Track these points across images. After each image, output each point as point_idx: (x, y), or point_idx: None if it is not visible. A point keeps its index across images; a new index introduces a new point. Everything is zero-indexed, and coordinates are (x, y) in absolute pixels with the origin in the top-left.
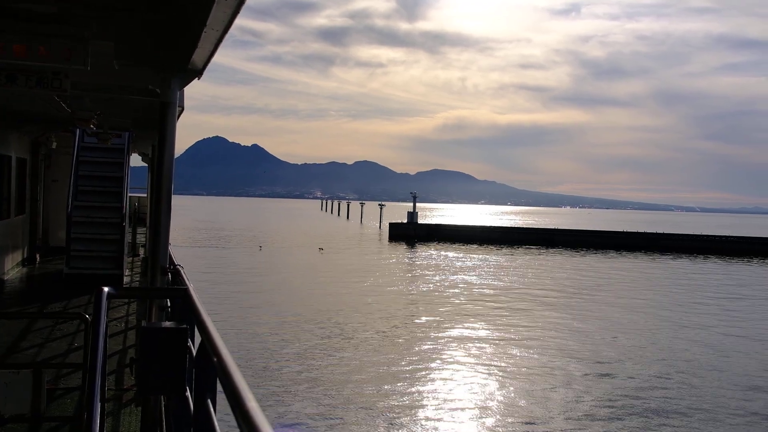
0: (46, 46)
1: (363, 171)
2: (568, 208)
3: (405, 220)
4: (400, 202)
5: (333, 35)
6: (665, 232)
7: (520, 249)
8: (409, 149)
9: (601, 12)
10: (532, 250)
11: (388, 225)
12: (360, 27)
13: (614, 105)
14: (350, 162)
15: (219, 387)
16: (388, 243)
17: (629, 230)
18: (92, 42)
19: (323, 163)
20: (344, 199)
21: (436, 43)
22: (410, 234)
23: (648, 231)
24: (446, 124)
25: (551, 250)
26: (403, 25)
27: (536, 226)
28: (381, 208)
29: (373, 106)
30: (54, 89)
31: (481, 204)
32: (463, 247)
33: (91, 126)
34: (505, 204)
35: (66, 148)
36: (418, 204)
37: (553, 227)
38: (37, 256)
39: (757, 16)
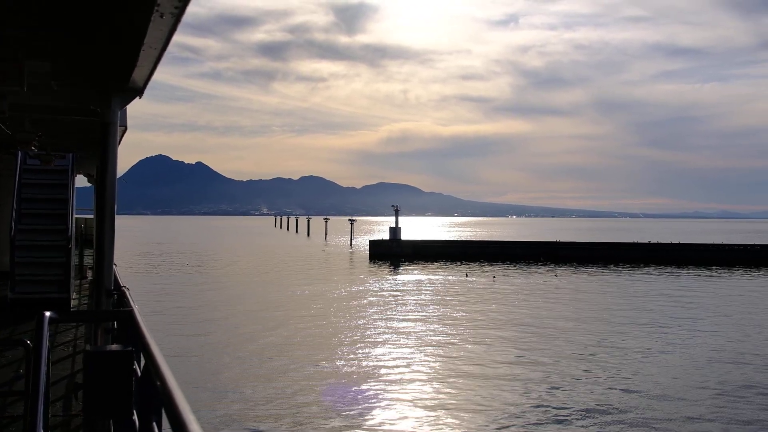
0: None
1: (309, 186)
2: (515, 217)
3: (386, 237)
4: (348, 216)
5: (273, 50)
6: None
7: (524, 266)
8: (354, 163)
9: (539, 22)
10: (539, 267)
11: (368, 243)
12: (300, 41)
13: (555, 114)
14: (296, 177)
15: None
16: (368, 264)
17: (637, 241)
18: (28, 62)
19: (269, 179)
20: (291, 214)
21: (376, 56)
22: (394, 252)
23: (671, 242)
24: (390, 137)
25: (567, 267)
26: (343, 39)
27: (537, 240)
28: (351, 224)
29: (316, 121)
30: None
31: (429, 216)
32: (461, 267)
33: (33, 148)
34: (452, 215)
35: (7, 171)
36: (364, 218)
37: (555, 240)
38: None
39: (690, 24)
